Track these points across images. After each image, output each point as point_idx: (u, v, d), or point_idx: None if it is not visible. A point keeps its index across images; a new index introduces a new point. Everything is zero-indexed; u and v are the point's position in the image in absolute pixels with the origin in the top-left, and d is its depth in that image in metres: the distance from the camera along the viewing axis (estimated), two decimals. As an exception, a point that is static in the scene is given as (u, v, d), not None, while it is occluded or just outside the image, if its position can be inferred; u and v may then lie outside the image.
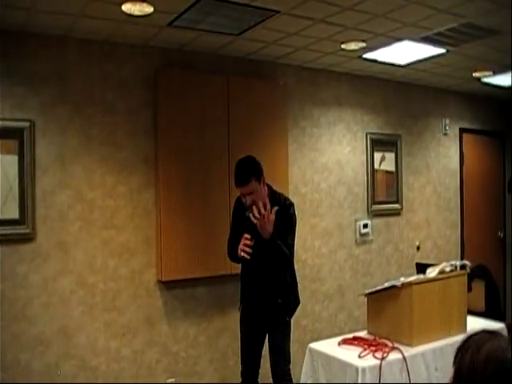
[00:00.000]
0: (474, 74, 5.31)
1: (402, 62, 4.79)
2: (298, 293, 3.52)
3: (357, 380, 2.91)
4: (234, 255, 3.37)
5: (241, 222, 3.34)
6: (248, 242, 3.13)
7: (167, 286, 4.15)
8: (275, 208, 3.09)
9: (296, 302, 3.51)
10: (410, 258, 5.73)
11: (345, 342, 3.30)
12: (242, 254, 3.14)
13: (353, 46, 4.18)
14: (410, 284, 3.22)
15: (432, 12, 3.46)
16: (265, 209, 3.03)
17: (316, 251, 5.02)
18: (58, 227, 3.73)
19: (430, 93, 6.00)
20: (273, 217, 3.05)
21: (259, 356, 3.53)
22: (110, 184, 3.94)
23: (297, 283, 3.52)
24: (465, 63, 4.89)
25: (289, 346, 3.44)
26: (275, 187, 3.47)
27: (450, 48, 4.33)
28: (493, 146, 6.85)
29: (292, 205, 3.37)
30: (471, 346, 1.36)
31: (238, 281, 3.57)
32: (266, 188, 3.32)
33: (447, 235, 6.19)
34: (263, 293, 3.37)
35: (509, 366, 1.31)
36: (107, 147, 3.93)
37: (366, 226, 5.37)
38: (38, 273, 3.65)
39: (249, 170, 3.21)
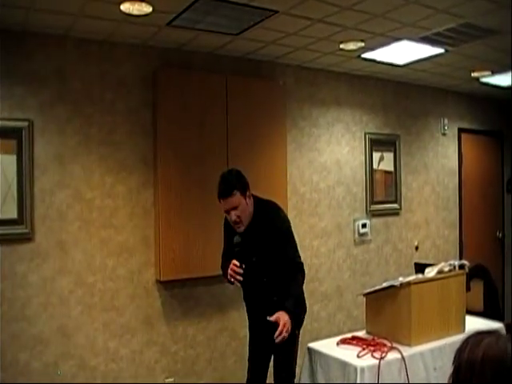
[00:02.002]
0: (472, 74, 5.32)
1: (401, 61, 4.79)
2: (304, 300, 3.33)
3: (355, 380, 2.92)
4: (225, 272, 3.25)
5: (230, 238, 3.19)
6: (237, 270, 2.99)
7: (166, 285, 4.15)
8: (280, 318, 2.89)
9: (304, 310, 3.34)
10: (408, 257, 5.74)
11: (343, 341, 3.30)
12: (232, 279, 3.03)
13: (352, 45, 4.18)
14: (408, 284, 3.22)
15: (431, 12, 3.46)
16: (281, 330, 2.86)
17: (315, 251, 5.02)
18: (57, 227, 3.73)
19: (428, 93, 6.00)
20: (288, 325, 2.86)
21: (266, 368, 3.38)
22: (108, 184, 3.94)
23: (303, 289, 3.30)
24: (464, 63, 4.89)
25: (296, 361, 3.26)
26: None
27: (449, 48, 4.33)
28: (491, 145, 6.86)
29: (276, 217, 3.15)
30: (469, 345, 1.37)
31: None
32: (251, 201, 3.14)
33: (446, 235, 6.20)
34: (270, 307, 3.11)
35: (507, 365, 1.31)
36: (106, 147, 3.92)
37: (364, 225, 5.38)
38: (36, 272, 3.64)
39: (233, 182, 3.03)
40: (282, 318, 2.87)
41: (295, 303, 3.03)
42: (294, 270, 3.12)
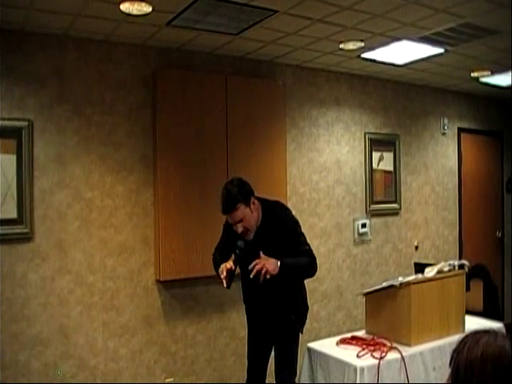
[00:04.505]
0: (472, 74, 5.32)
1: (401, 61, 4.79)
2: (307, 298, 3.36)
3: (355, 380, 2.92)
4: (216, 265, 3.22)
5: (231, 239, 3.17)
6: (226, 271, 2.95)
7: (165, 285, 4.15)
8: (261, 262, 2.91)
9: (306, 310, 3.35)
10: (408, 257, 5.74)
11: (343, 341, 3.31)
12: (222, 277, 2.98)
13: (351, 45, 4.18)
14: (408, 284, 3.23)
15: (430, 12, 3.46)
16: (260, 268, 2.88)
17: (314, 251, 4.99)
18: (57, 227, 3.73)
19: (428, 92, 6.00)
20: (269, 264, 2.89)
21: (266, 367, 3.39)
22: (108, 184, 3.94)
23: (305, 287, 3.37)
24: (463, 63, 4.89)
25: (297, 359, 3.28)
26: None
27: (449, 48, 4.33)
28: (491, 145, 6.86)
29: (285, 217, 3.14)
30: (467, 344, 1.37)
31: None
32: (257, 205, 3.08)
33: (445, 235, 6.20)
34: (273, 309, 3.18)
35: (506, 362, 1.31)
36: (106, 147, 3.92)
37: (364, 225, 5.37)
38: (36, 272, 3.64)
39: (235, 196, 2.93)
40: (270, 259, 2.92)
41: (293, 263, 3.05)
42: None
